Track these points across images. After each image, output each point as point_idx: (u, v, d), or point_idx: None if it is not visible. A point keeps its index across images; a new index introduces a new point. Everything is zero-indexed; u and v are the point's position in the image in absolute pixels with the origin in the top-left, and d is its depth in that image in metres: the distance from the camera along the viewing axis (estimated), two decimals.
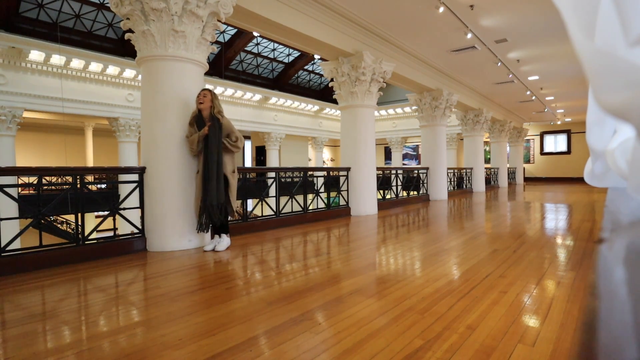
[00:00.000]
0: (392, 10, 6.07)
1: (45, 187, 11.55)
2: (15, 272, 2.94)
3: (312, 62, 18.13)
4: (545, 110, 15.11)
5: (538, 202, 8.92)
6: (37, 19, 11.26)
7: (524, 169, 20.44)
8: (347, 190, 6.96)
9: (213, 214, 3.67)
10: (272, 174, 6.56)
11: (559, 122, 19.60)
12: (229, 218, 4.05)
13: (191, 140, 3.77)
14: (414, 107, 10.27)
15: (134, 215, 4.36)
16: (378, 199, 7.63)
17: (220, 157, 3.70)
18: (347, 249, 3.97)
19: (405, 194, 9.56)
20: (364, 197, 6.89)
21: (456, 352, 1.59)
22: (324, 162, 22.58)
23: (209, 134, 3.68)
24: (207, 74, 4.86)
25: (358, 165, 6.86)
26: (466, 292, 2.37)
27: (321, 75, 19.19)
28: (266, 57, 17.17)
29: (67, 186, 3.66)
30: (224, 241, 3.85)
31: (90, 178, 11.12)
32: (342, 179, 6.99)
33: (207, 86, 15.30)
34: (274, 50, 16.81)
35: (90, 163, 14.05)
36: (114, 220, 4.00)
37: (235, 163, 3.99)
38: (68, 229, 12.34)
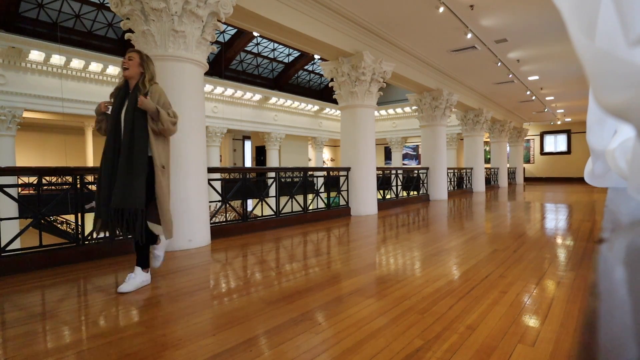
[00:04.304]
0: (392, 10, 6.07)
1: (45, 187, 11.54)
2: (15, 272, 2.93)
3: (312, 62, 18.13)
4: (545, 110, 15.11)
5: (538, 202, 8.92)
6: (37, 19, 11.26)
7: (524, 169, 20.44)
8: (347, 190, 6.96)
9: (114, 224, 2.49)
10: (272, 174, 6.56)
11: (559, 122, 19.59)
12: (159, 239, 2.79)
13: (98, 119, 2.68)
14: (414, 107, 10.28)
15: None
16: (378, 199, 7.63)
17: (141, 140, 2.54)
18: (347, 249, 3.97)
19: (405, 194, 9.56)
20: (364, 197, 6.89)
21: (456, 352, 1.59)
22: (324, 162, 22.58)
23: (125, 108, 2.58)
24: (207, 74, 4.86)
25: (358, 165, 6.86)
26: (466, 292, 2.37)
27: (321, 75, 19.19)
28: (266, 57, 17.17)
29: (67, 186, 3.66)
30: (138, 277, 2.57)
31: (90, 178, 11.12)
32: (342, 179, 6.99)
33: (207, 86, 15.00)
34: (274, 50, 16.81)
35: (90, 163, 14.04)
36: None
37: (169, 155, 2.78)
38: (68, 229, 12.34)
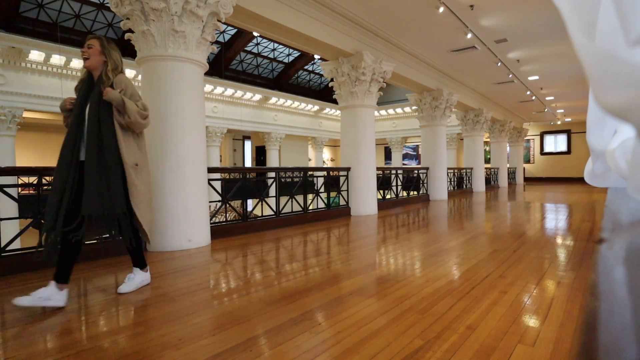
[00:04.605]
0: (392, 10, 6.07)
1: (45, 187, 11.54)
2: (15, 272, 2.93)
3: (312, 62, 18.12)
4: (545, 110, 15.11)
5: (538, 202, 8.92)
6: (37, 19, 11.25)
7: (524, 169, 20.44)
8: (347, 190, 6.96)
9: (94, 228, 2.31)
10: (272, 174, 6.56)
11: (559, 122, 19.60)
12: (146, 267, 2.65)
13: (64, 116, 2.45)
14: (414, 107, 10.28)
15: None
16: (378, 199, 7.63)
17: (109, 136, 2.31)
18: (347, 249, 3.97)
19: (405, 194, 9.56)
20: (364, 197, 6.89)
21: (456, 352, 1.59)
22: (324, 162, 22.58)
23: (89, 103, 2.34)
24: (207, 74, 4.86)
25: (358, 165, 6.86)
26: (466, 292, 2.37)
27: (321, 75, 19.18)
28: (266, 57, 17.16)
29: None
30: (137, 277, 2.55)
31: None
32: (342, 179, 6.99)
33: (207, 86, 14.92)
34: (274, 50, 16.80)
35: None
36: None
37: (145, 151, 2.55)
38: None
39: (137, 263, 2.60)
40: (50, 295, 2.17)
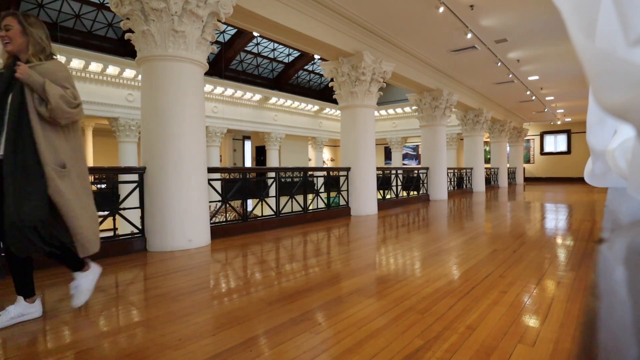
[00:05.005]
0: (392, 10, 6.07)
1: None
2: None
3: (312, 62, 18.14)
4: (545, 110, 15.12)
5: (538, 202, 8.92)
6: None
7: (524, 169, 20.44)
8: (347, 190, 6.96)
9: (14, 242, 1.84)
10: (272, 174, 6.57)
11: (559, 122, 19.60)
12: (87, 264, 2.23)
13: None
14: (414, 107, 10.28)
15: (134, 215, 4.36)
16: (378, 199, 7.63)
17: (28, 130, 1.91)
18: (347, 249, 3.97)
19: (405, 194, 9.56)
20: (364, 197, 6.89)
21: (456, 352, 1.59)
22: (324, 162, 22.58)
23: (12, 91, 1.94)
24: (207, 74, 4.86)
25: (358, 165, 6.87)
26: (466, 292, 2.37)
27: (321, 75, 19.19)
28: (266, 57, 17.18)
29: None
30: (83, 282, 2.17)
31: (90, 178, 11.08)
32: (342, 179, 6.99)
33: (207, 86, 14.83)
34: (274, 50, 16.81)
35: (90, 163, 14.04)
36: (114, 220, 3.98)
37: (79, 148, 2.14)
38: None
39: (75, 267, 2.18)
40: (23, 311, 1.98)
